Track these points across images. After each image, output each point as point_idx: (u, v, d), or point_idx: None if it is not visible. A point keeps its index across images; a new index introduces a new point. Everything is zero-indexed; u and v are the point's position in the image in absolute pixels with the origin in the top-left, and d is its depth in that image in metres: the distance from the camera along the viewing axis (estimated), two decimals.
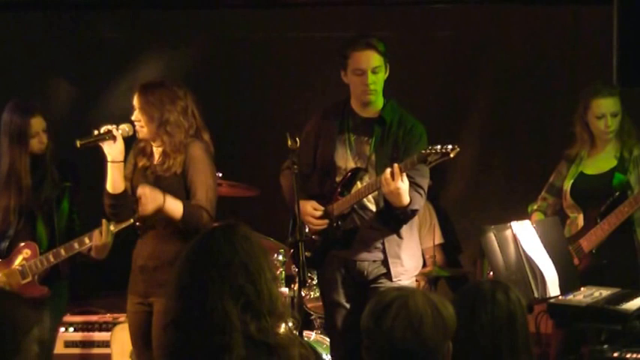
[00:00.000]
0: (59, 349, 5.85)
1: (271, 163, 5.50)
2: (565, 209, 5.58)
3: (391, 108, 5.10)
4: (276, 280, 3.03)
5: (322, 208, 5.08)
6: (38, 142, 5.26)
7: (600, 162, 5.49)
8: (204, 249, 2.96)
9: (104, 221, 5.00)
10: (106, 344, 6.04)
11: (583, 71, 6.58)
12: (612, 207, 5.34)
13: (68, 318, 6.14)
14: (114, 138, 4.89)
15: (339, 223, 5.08)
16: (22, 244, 5.24)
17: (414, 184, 4.93)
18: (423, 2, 7.07)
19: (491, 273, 5.03)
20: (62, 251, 5.15)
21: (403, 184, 4.78)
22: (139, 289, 4.96)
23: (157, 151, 4.97)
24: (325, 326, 5.67)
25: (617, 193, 5.36)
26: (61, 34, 7.10)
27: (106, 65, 7.06)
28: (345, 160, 5.11)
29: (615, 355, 4.50)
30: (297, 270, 4.80)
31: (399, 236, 5.07)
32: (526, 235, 4.97)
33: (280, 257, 6.04)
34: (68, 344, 6.18)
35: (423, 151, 4.74)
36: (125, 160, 4.96)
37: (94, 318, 6.28)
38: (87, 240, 5.08)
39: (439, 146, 4.69)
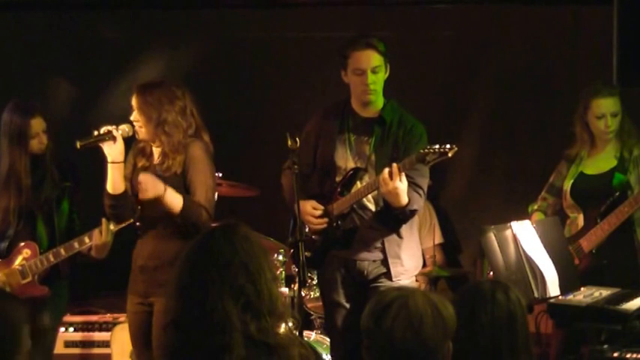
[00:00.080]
0: (59, 349, 5.84)
1: (271, 163, 5.50)
2: (565, 209, 5.58)
3: (391, 108, 5.10)
4: (276, 280, 3.03)
5: (322, 207, 5.08)
6: (38, 142, 5.25)
7: (600, 162, 5.49)
8: (204, 249, 2.96)
9: (104, 220, 5.01)
10: (106, 344, 6.04)
11: (583, 71, 6.58)
12: (612, 207, 5.34)
13: (68, 318, 6.14)
14: (114, 138, 4.89)
15: (339, 222, 5.08)
16: (22, 244, 5.24)
17: (413, 184, 4.93)
18: (423, 2, 7.07)
19: (491, 273, 5.03)
20: (62, 251, 5.15)
21: (401, 184, 4.78)
22: (139, 289, 4.96)
23: (156, 151, 4.97)
24: (325, 326, 5.68)
25: (617, 193, 5.36)
26: (61, 34, 7.10)
27: (106, 65, 7.06)
28: (345, 159, 5.11)
29: (615, 355, 4.50)
30: (297, 270, 4.80)
31: (399, 236, 5.07)
32: (526, 235, 4.97)
33: (280, 257, 6.05)
34: (68, 344, 6.18)
35: (422, 151, 4.74)
36: (125, 161, 4.96)
37: (94, 318, 6.28)
38: (87, 239, 5.08)
39: (437, 146, 4.69)
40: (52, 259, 5.17)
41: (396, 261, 5.05)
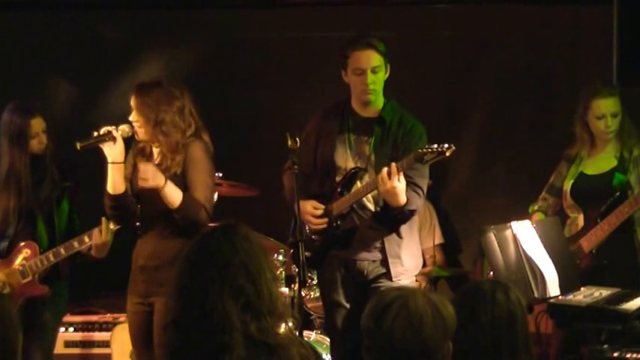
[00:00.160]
0: (59, 349, 5.84)
1: (271, 163, 5.50)
2: (565, 209, 5.58)
3: (391, 108, 5.10)
4: (276, 280, 3.03)
5: (322, 206, 5.09)
6: (38, 142, 5.26)
7: (600, 162, 5.49)
8: (204, 249, 2.96)
9: (104, 220, 5.01)
10: (106, 344, 6.04)
11: (583, 71, 6.58)
12: (612, 207, 5.34)
13: (68, 318, 6.14)
14: (114, 139, 4.89)
15: (339, 222, 5.08)
16: (22, 243, 5.24)
17: (412, 184, 4.93)
18: (423, 2, 7.08)
19: (491, 273, 5.04)
20: (62, 250, 5.16)
21: (400, 184, 4.78)
22: (139, 289, 4.95)
23: (156, 151, 4.97)
24: (325, 326, 5.68)
25: (618, 194, 5.36)
26: (61, 34, 7.10)
27: (106, 65, 7.06)
28: (345, 159, 5.11)
29: (615, 355, 4.50)
30: (297, 270, 4.80)
31: (399, 236, 5.07)
32: (526, 235, 4.97)
33: (280, 257, 6.04)
34: (68, 344, 6.18)
35: (420, 150, 4.74)
36: (125, 161, 4.96)
37: (94, 318, 6.28)
38: (87, 239, 5.09)
39: (435, 145, 4.70)
40: (52, 258, 5.17)
41: (396, 261, 5.05)
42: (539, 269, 4.91)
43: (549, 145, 6.44)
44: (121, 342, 5.75)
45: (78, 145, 4.86)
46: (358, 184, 5.06)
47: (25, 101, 5.37)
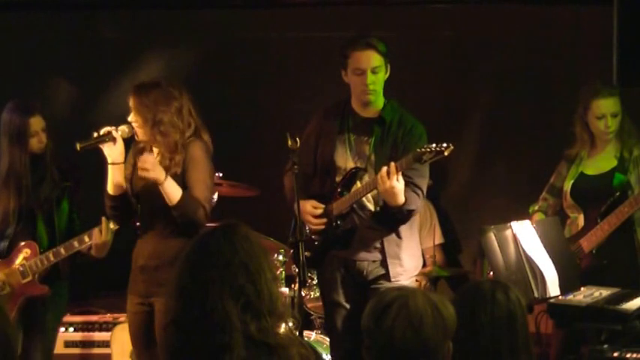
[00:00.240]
0: (59, 349, 5.84)
1: (271, 163, 5.50)
2: (565, 209, 5.58)
3: (391, 108, 5.10)
4: (277, 280, 3.03)
5: (322, 206, 5.09)
6: (37, 141, 5.25)
7: (600, 162, 5.49)
8: (204, 249, 2.96)
9: (104, 219, 5.01)
10: (106, 344, 6.04)
11: (583, 71, 6.58)
12: (612, 207, 5.34)
13: (68, 318, 6.14)
14: (114, 140, 4.89)
15: (339, 222, 5.08)
16: (22, 243, 5.24)
17: (411, 184, 4.93)
18: (423, 2, 7.08)
19: (492, 273, 5.04)
20: (62, 250, 5.16)
21: (398, 184, 4.78)
22: (139, 289, 4.95)
23: (155, 151, 4.96)
24: (325, 326, 5.67)
25: (618, 194, 5.36)
26: (61, 34, 7.10)
27: (106, 65, 7.06)
28: (345, 159, 5.11)
29: (615, 355, 4.50)
30: (297, 270, 4.80)
31: (399, 236, 5.07)
32: (526, 235, 4.97)
33: (280, 257, 6.04)
34: (68, 344, 6.18)
35: (418, 150, 4.74)
36: (125, 161, 4.96)
37: (94, 318, 6.28)
38: (87, 238, 5.08)
39: (434, 145, 4.70)
40: (52, 258, 5.17)
41: (395, 261, 5.05)
42: (539, 269, 4.91)
43: (549, 145, 6.44)
44: (121, 342, 5.75)
45: (78, 146, 4.86)
46: (358, 184, 5.05)
47: (24, 100, 5.37)
